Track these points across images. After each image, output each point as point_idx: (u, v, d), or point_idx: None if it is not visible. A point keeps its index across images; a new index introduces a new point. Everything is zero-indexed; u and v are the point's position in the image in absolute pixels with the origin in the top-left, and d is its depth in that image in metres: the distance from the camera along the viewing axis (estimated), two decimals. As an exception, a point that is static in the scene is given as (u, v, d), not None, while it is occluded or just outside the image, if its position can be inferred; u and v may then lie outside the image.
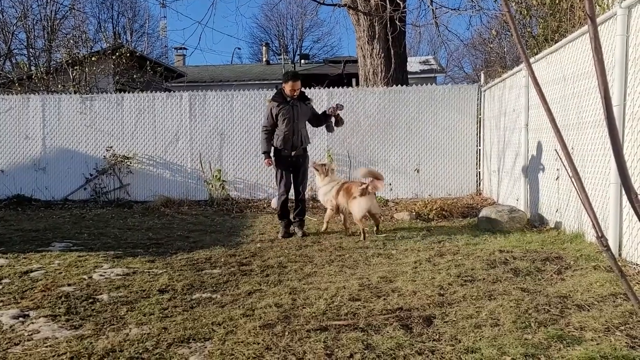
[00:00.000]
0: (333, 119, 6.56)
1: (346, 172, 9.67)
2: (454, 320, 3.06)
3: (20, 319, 3.36)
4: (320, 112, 6.71)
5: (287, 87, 6.34)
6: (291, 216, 6.61)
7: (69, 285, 4.15)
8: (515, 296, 3.44)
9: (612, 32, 4.44)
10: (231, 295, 3.78)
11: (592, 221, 1.67)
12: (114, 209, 9.10)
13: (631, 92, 4.17)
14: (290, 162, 6.45)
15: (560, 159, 1.63)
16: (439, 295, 3.57)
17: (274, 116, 6.35)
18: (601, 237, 1.65)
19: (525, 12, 7.77)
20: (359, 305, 3.43)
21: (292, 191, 6.59)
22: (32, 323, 3.27)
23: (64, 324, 3.24)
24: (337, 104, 6.57)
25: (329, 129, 6.66)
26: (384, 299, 3.55)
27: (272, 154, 6.44)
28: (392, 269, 4.41)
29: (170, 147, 10.06)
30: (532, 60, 6.51)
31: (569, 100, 5.46)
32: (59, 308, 3.53)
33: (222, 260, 5.02)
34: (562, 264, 4.28)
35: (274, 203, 7.59)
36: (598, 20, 4.61)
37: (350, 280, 4.07)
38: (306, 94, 6.73)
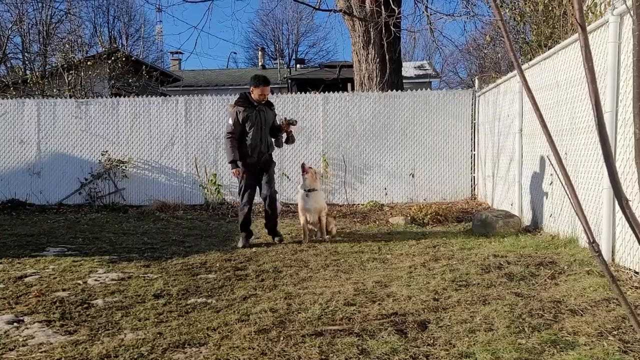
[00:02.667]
0: (284, 135, 6.26)
1: (341, 177, 9.69)
2: (448, 325, 3.07)
3: (15, 324, 3.35)
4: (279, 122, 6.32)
5: (257, 92, 6.00)
6: (255, 231, 6.51)
7: (63, 290, 4.14)
8: (510, 301, 3.46)
9: (604, 39, 4.49)
10: (226, 300, 3.78)
11: (583, 227, 1.69)
12: (109, 214, 9.08)
13: (623, 98, 4.21)
14: (257, 170, 6.14)
15: (552, 164, 1.66)
16: (433, 300, 3.59)
17: (241, 121, 5.98)
18: (592, 243, 1.66)
19: (519, 18, 7.83)
20: (354, 310, 3.44)
21: (265, 200, 6.19)
22: (27, 328, 3.26)
23: (58, 330, 3.23)
24: (289, 119, 6.21)
25: (278, 144, 6.33)
26: (379, 303, 3.56)
27: (239, 163, 6.02)
28: (387, 274, 4.43)
29: (165, 151, 10.06)
30: (525, 66, 6.56)
31: (563, 105, 5.50)
32: (54, 313, 3.52)
33: (218, 265, 5.02)
34: (556, 269, 4.30)
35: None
36: (591, 27, 4.67)
37: (345, 285, 4.08)
38: (270, 100, 6.38)
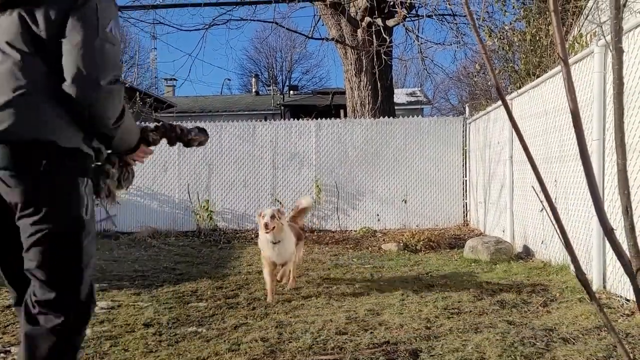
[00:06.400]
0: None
1: (334, 203, 9.70)
2: (440, 354, 3.05)
3: (2, 354, 3.29)
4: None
5: None
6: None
7: (51, 319, 4.08)
8: (501, 329, 3.45)
9: (590, 69, 4.59)
10: (217, 329, 3.74)
11: (570, 255, 1.70)
12: (99, 240, 8.99)
13: (610, 126, 4.29)
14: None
15: (537, 194, 1.68)
16: (425, 329, 3.57)
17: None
18: (578, 272, 1.68)
19: (508, 47, 8.01)
20: (345, 339, 3.41)
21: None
22: (14, 359, 3.20)
23: (45, 360, 3.17)
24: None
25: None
26: (371, 332, 3.54)
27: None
28: (379, 301, 4.40)
29: (158, 177, 10.05)
30: (514, 94, 6.68)
31: (551, 133, 5.59)
32: (41, 343, 3.46)
33: (209, 292, 4.97)
34: (548, 296, 4.31)
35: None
36: (577, 57, 4.79)
37: (337, 313, 4.05)
38: None
